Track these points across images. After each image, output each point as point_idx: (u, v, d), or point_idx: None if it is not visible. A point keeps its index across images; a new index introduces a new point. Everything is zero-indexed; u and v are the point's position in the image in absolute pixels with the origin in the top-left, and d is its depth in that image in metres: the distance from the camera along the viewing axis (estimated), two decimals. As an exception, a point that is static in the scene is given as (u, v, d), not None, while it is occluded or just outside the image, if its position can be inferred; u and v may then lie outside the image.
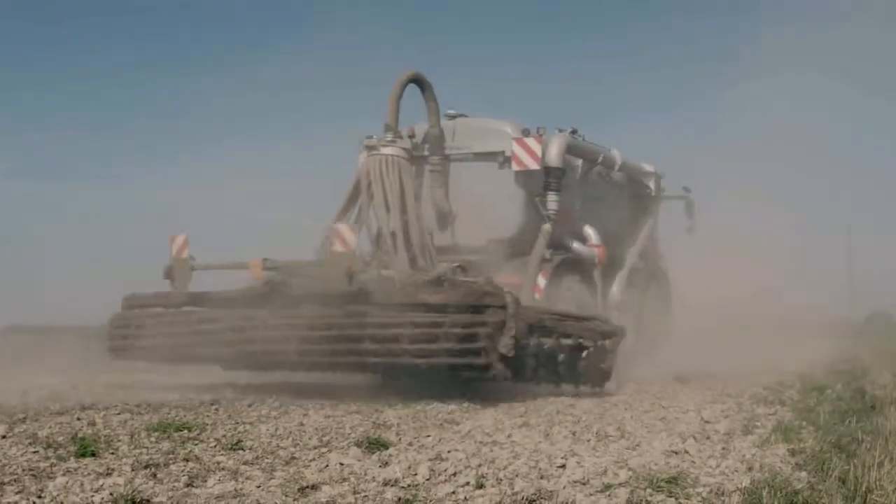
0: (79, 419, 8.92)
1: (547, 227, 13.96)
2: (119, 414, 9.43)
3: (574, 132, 14.83)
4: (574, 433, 7.85)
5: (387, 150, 13.18)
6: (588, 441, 7.44)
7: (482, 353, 10.52)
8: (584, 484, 5.71)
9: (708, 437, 7.69)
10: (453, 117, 14.56)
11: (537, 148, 13.76)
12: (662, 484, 5.60)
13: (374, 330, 11.10)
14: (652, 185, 17.80)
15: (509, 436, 7.70)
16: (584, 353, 11.94)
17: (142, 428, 8.09)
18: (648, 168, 17.73)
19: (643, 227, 17.50)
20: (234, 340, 12.03)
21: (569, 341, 11.77)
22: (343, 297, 11.43)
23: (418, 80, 13.89)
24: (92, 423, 8.55)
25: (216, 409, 9.89)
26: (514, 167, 13.88)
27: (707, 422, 8.71)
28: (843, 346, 22.26)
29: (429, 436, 7.72)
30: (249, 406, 10.25)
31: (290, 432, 7.95)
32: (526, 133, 13.86)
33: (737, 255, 18.58)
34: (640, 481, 5.69)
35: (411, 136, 14.09)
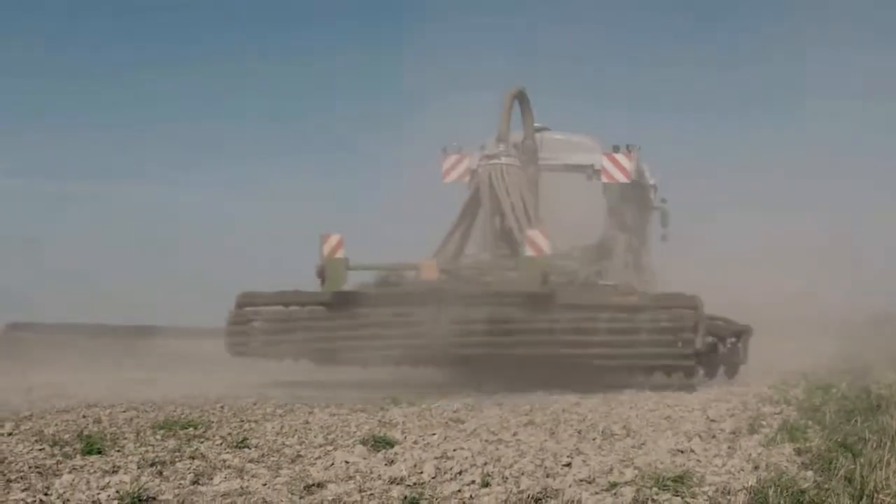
0: (84, 417, 8.94)
1: (626, 236, 15.23)
2: (125, 412, 9.45)
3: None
4: (580, 432, 7.83)
5: (504, 160, 13.92)
6: (594, 440, 7.43)
7: (686, 349, 11.96)
8: (589, 482, 5.70)
9: (714, 436, 7.67)
10: (539, 130, 15.04)
11: (628, 164, 14.91)
12: (668, 483, 5.58)
13: (569, 328, 12.25)
14: (652, 195, 18.30)
15: (515, 434, 7.69)
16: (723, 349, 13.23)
17: (147, 426, 8.11)
18: (651, 180, 18.10)
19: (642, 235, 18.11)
20: (407, 336, 12.58)
21: (711, 339, 12.85)
22: (538, 297, 12.34)
23: (521, 95, 14.48)
24: (98, 421, 8.57)
25: (221, 408, 9.89)
26: (604, 179, 14.86)
27: (713, 420, 8.69)
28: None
29: (434, 434, 7.71)
30: (254, 404, 10.26)
31: (296, 430, 7.96)
32: (616, 149, 14.83)
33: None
34: (645, 480, 5.67)
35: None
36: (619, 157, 14.96)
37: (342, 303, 13.11)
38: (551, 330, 12.32)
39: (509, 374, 12.72)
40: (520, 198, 13.69)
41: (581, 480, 5.74)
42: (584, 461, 6.35)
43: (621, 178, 14.93)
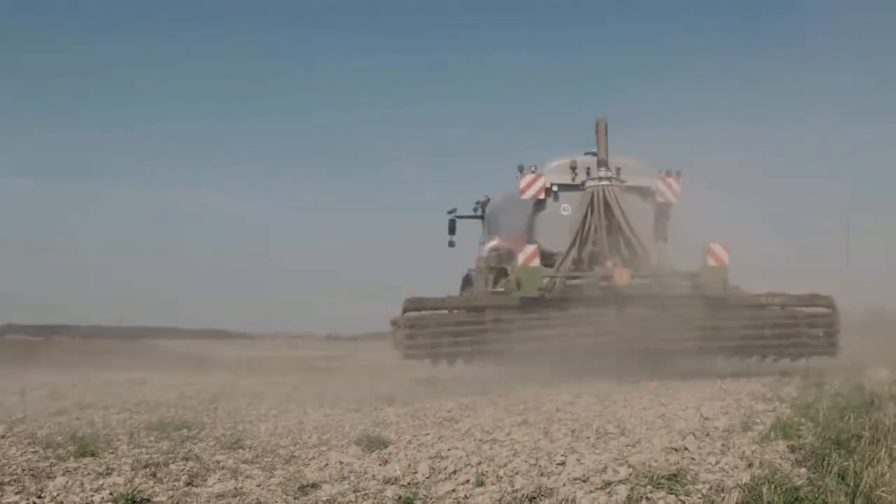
0: (78, 419, 8.94)
1: (667, 247, 16.89)
2: (118, 413, 9.45)
3: None
4: (573, 431, 7.82)
5: (613, 182, 15.87)
6: (588, 438, 7.41)
7: (834, 339, 15.10)
8: (584, 481, 5.69)
9: (707, 434, 7.65)
10: (593, 153, 16.36)
11: (677, 187, 16.90)
12: (663, 481, 5.58)
13: (745, 325, 14.71)
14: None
15: (509, 434, 7.68)
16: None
17: (141, 427, 8.10)
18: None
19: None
20: (599, 333, 14.23)
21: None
22: (720, 300, 14.68)
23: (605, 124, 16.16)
24: (91, 423, 8.56)
25: (215, 409, 9.90)
26: (658, 199, 16.82)
27: (706, 418, 8.67)
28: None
29: (428, 434, 7.71)
30: (248, 405, 10.26)
31: (290, 431, 7.96)
32: (668, 173, 16.89)
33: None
34: (640, 478, 5.67)
35: (573, 168, 16.69)
36: (671, 180, 16.92)
37: (534, 306, 14.47)
38: (731, 327, 14.60)
39: (670, 365, 15.09)
40: (620, 213, 15.64)
41: (575, 479, 5.73)
42: (578, 460, 6.33)
43: (672, 200, 16.95)
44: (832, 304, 15.12)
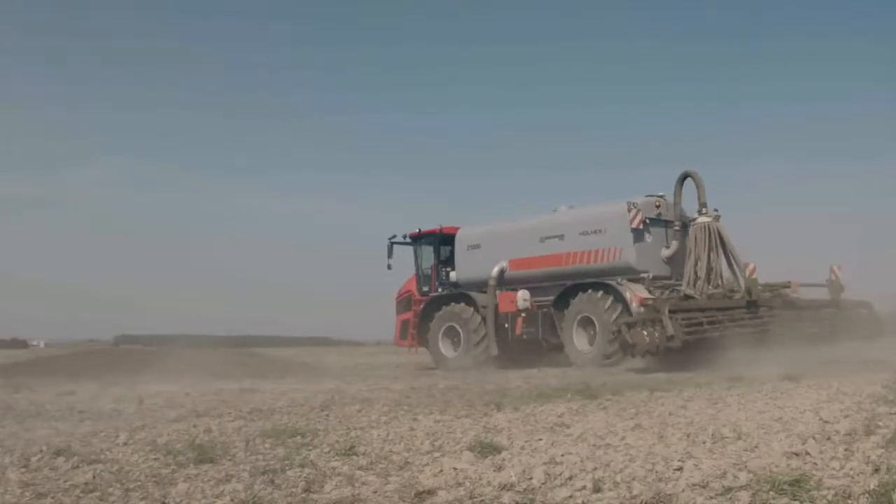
0: (195, 426, 9.13)
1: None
2: (233, 421, 9.62)
3: None
4: (688, 435, 7.68)
5: (707, 219, 20.11)
6: (703, 443, 7.27)
7: (878, 327, 20.87)
8: (703, 487, 5.57)
9: (828, 438, 7.44)
10: (651, 195, 21.60)
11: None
12: (785, 487, 5.42)
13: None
14: None
15: (622, 438, 7.58)
16: None
17: (256, 434, 8.22)
18: None
19: None
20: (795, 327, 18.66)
21: None
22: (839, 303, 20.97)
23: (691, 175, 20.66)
24: (208, 430, 8.73)
25: (327, 415, 10.00)
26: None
27: (826, 422, 8.43)
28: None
29: (540, 439, 7.65)
30: (359, 411, 10.34)
31: (402, 437, 7.98)
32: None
33: None
34: (761, 484, 5.52)
35: (658, 206, 21.53)
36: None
37: (754, 306, 18.87)
38: (836, 323, 19.87)
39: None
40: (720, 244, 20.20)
41: (694, 485, 5.62)
42: (695, 465, 6.21)
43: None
44: (870, 305, 21.19)
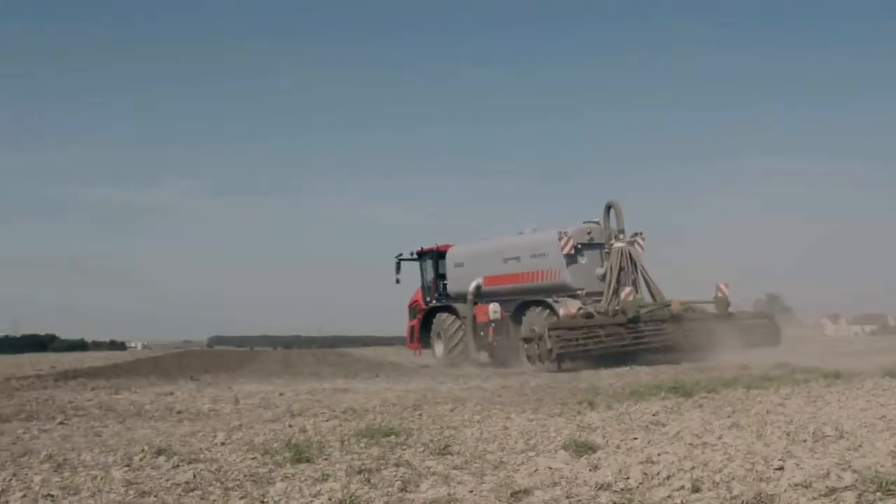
0: (290, 426, 9.24)
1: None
2: (327, 420, 9.71)
3: None
4: (788, 434, 7.51)
5: (621, 244, 23.08)
6: (804, 442, 7.10)
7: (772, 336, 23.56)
8: (806, 487, 5.43)
9: (936, 436, 7.21)
10: (589, 222, 24.18)
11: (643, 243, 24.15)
12: (893, 487, 5.25)
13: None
14: None
15: (720, 437, 7.44)
16: None
17: (350, 434, 8.28)
18: None
19: None
20: (664, 339, 21.98)
21: None
22: (723, 317, 22.87)
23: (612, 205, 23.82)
24: (303, 430, 8.83)
25: (419, 414, 10.03)
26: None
27: (933, 420, 8.18)
28: None
29: (636, 438, 7.56)
30: (451, 410, 10.35)
31: (496, 436, 7.97)
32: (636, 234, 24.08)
33: None
34: (867, 484, 5.36)
35: (589, 232, 23.96)
36: (639, 239, 23.89)
37: (633, 322, 21.47)
38: (722, 334, 21.78)
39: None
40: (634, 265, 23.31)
41: (796, 485, 5.48)
42: (797, 464, 6.06)
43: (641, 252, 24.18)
44: (770, 315, 25.19)
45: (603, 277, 23.14)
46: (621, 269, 22.78)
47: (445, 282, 27.93)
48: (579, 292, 23.19)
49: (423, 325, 28.01)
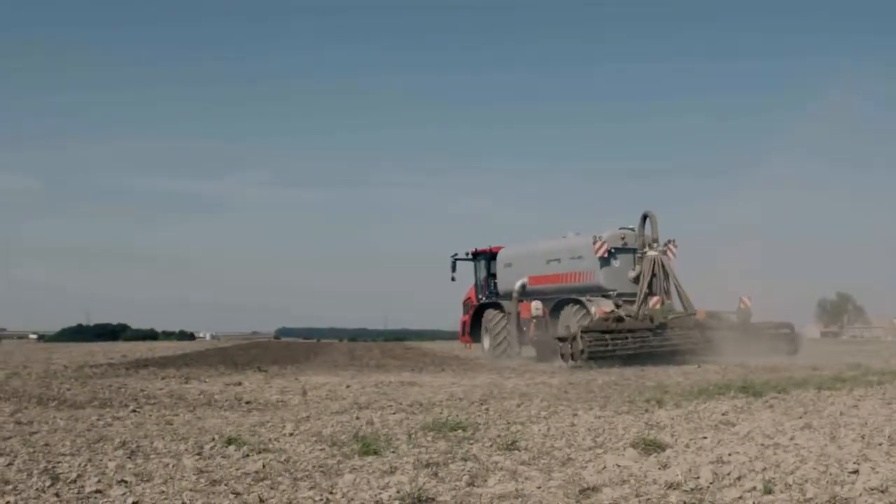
0: (357, 418, 9.29)
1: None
2: (394, 413, 9.74)
3: None
4: (863, 436, 7.36)
5: (654, 253, 24.51)
6: (880, 445, 6.95)
7: (794, 345, 24.62)
8: (882, 492, 5.31)
9: None
10: (624, 228, 25.70)
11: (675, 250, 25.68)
12: (973, 492, 5.14)
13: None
14: None
15: (792, 438, 7.33)
16: None
17: (417, 427, 8.30)
18: None
19: None
20: (694, 345, 23.19)
21: None
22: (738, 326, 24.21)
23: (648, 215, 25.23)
24: (370, 423, 8.86)
25: (486, 409, 10.02)
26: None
27: None
28: None
29: (705, 437, 7.48)
30: (518, 406, 10.32)
31: (563, 433, 7.93)
32: (669, 241, 25.60)
33: None
34: (947, 489, 5.25)
35: (623, 238, 25.54)
36: (672, 246, 25.47)
37: (660, 329, 22.70)
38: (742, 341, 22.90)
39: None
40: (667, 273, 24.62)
41: (872, 489, 5.37)
42: (872, 468, 5.94)
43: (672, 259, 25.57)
44: (791, 325, 25.30)
45: (635, 280, 24.65)
46: (653, 276, 24.32)
47: (496, 280, 30.01)
48: (612, 293, 24.77)
49: (474, 321, 30.33)
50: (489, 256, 30.60)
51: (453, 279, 31.70)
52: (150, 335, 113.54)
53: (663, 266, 24.48)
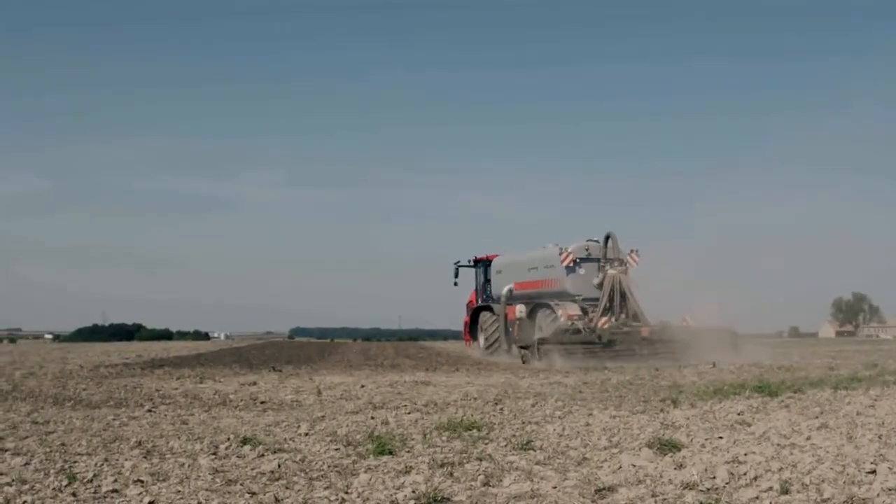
0: (372, 418, 9.29)
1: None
2: (409, 413, 9.74)
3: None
4: (880, 436, 7.33)
5: (613, 272, 27.00)
6: (897, 445, 6.92)
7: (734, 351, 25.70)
8: (900, 492, 5.30)
9: None
10: (591, 240, 28.84)
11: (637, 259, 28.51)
12: None
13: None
14: None
15: (808, 438, 7.30)
16: None
17: (432, 427, 8.30)
18: None
19: None
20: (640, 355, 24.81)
21: None
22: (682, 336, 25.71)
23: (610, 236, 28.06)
24: (385, 422, 8.86)
25: (501, 409, 10.01)
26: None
27: None
28: None
29: (721, 437, 7.45)
30: (533, 406, 10.31)
31: (578, 432, 7.91)
32: (632, 251, 28.58)
33: None
34: (966, 490, 5.21)
35: (587, 249, 28.73)
36: (634, 255, 28.59)
37: (609, 343, 24.77)
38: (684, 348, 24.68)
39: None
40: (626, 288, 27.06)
41: (890, 489, 5.34)
42: (890, 468, 5.90)
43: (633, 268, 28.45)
44: (733, 330, 26.74)
45: (599, 286, 27.44)
46: (612, 292, 27.01)
47: (490, 286, 33.29)
48: (578, 297, 27.72)
49: (472, 322, 33.99)
50: (486, 264, 33.95)
51: (455, 284, 35.13)
52: (165, 335, 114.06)
53: (621, 283, 27.03)
